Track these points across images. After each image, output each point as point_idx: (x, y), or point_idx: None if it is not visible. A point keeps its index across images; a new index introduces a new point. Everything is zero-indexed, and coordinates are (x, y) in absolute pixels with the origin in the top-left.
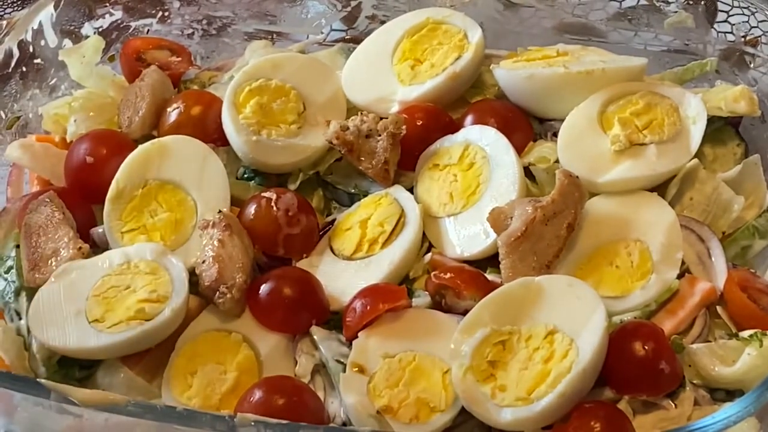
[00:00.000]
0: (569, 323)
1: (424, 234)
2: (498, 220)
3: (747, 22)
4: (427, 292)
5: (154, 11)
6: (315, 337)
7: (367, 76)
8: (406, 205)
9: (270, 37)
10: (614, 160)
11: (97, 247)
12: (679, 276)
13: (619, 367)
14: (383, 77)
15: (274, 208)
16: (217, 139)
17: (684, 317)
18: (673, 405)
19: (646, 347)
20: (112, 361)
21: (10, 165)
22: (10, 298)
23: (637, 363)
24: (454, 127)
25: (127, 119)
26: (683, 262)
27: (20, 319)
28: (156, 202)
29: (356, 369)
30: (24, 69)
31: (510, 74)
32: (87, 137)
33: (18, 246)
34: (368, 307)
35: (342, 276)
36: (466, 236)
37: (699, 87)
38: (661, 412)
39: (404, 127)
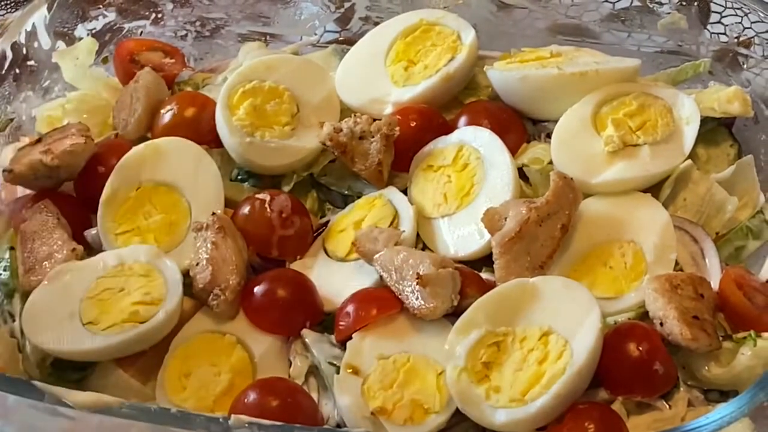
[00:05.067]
0: (564, 324)
1: (418, 235)
2: (492, 220)
3: (740, 23)
4: None
5: (147, 13)
6: (306, 340)
7: (360, 77)
8: (399, 207)
9: (263, 38)
10: (608, 161)
11: (91, 249)
12: None
13: (613, 368)
14: (377, 79)
15: (268, 210)
16: (210, 140)
17: None
18: (667, 406)
19: (641, 348)
20: (107, 363)
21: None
22: (3, 300)
23: (631, 364)
24: (448, 128)
25: (123, 121)
26: (677, 263)
27: (14, 321)
28: (150, 203)
29: (350, 370)
30: (17, 71)
31: (503, 75)
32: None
33: (12, 248)
34: (361, 313)
35: (336, 277)
36: (461, 236)
37: (692, 88)
38: (655, 413)
39: (398, 128)
